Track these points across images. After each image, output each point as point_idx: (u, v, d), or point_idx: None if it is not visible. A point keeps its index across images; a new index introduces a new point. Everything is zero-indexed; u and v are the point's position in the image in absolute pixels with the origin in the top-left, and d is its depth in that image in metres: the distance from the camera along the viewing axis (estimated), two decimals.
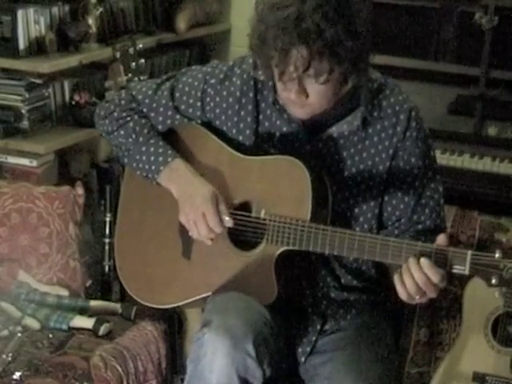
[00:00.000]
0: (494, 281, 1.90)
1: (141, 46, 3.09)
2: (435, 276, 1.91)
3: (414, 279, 1.92)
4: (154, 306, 2.30)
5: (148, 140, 2.23)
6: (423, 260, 1.91)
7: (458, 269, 1.92)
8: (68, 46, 3.38)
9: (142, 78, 2.96)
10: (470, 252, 1.91)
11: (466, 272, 1.92)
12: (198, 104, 2.24)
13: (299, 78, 1.97)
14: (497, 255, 1.89)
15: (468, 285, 2.47)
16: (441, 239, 1.94)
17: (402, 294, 1.96)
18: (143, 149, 2.22)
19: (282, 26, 1.92)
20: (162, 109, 2.27)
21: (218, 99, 2.22)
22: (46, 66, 3.23)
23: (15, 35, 3.21)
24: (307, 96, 2.00)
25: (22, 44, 3.23)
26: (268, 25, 1.94)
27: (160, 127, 2.28)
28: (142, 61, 3.02)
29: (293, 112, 2.09)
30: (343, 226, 2.07)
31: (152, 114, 2.28)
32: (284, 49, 1.92)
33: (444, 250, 1.93)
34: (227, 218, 2.12)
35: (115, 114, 2.28)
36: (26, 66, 3.24)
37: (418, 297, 1.95)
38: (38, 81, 3.30)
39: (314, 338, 2.18)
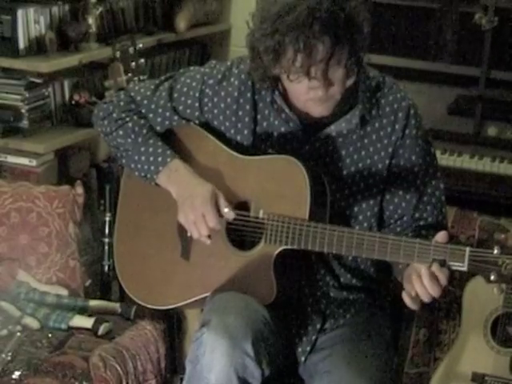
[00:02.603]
0: (492, 277, 1.90)
1: (141, 45, 3.09)
2: (442, 278, 1.92)
3: (425, 286, 1.93)
4: (154, 307, 2.30)
5: (147, 140, 2.23)
6: (434, 267, 1.92)
7: (456, 265, 1.93)
8: (68, 46, 3.38)
9: (141, 77, 2.97)
10: (468, 248, 1.92)
11: (465, 268, 1.92)
12: (196, 105, 2.25)
13: (326, 69, 1.98)
14: (495, 251, 1.90)
15: (467, 285, 2.47)
16: (440, 236, 1.95)
17: (412, 305, 1.97)
18: (142, 149, 2.22)
19: (299, 25, 1.92)
20: (160, 109, 2.28)
21: (215, 100, 2.23)
22: (45, 65, 3.23)
23: (15, 35, 3.21)
24: (330, 85, 2.01)
25: (21, 43, 3.23)
26: (282, 33, 1.94)
27: (158, 128, 2.28)
28: (142, 60, 3.03)
29: (314, 112, 2.08)
30: (342, 224, 2.08)
31: (150, 115, 2.29)
32: (307, 46, 1.93)
33: (443, 246, 1.93)
34: (226, 210, 2.11)
35: (114, 114, 2.28)
36: (25, 66, 3.24)
37: (426, 299, 1.96)
38: (38, 80, 3.30)
39: (313, 338, 2.18)
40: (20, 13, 3.21)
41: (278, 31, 1.95)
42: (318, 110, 2.08)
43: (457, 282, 2.53)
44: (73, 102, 3.42)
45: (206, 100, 2.24)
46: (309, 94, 2.04)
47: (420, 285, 1.93)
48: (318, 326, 2.19)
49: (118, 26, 3.70)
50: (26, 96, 3.26)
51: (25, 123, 3.27)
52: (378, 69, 2.21)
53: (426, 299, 1.95)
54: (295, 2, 1.95)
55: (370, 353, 2.10)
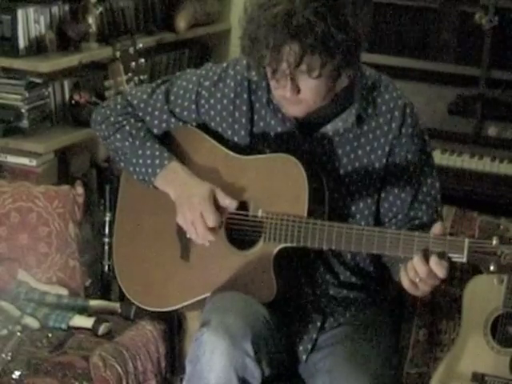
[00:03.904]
0: (492, 267, 1.90)
1: (141, 45, 3.09)
2: (441, 272, 1.92)
3: (419, 274, 1.93)
4: (154, 309, 2.30)
5: (144, 143, 2.23)
6: (432, 260, 1.92)
7: (455, 257, 1.92)
8: (68, 46, 3.39)
9: (141, 77, 2.97)
10: (467, 239, 1.91)
11: (464, 260, 1.91)
12: (193, 107, 2.25)
13: (292, 75, 1.98)
14: (494, 242, 1.89)
15: (467, 285, 2.47)
16: (437, 228, 1.95)
17: (409, 288, 1.98)
18: (139, 152, 2.22)
19: (273, 23, 1.93)
20: (157, 112, 2.28)
21: (212, 101, 2.23)
22: (45, 65, 3.23)
23: (15, 34, 3.21)
24: (299, 92, 2.01)
25: (21, 43, 3.23)
26: (258, 24, 1.96)
27: (156, 131, 2.29)
28: (142, 60, 3.03)
29: (287, 110, 2.10)
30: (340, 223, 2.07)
31: (147, 118, 2.29)
32: (276, 46, 1.93)
33: (441, 238, 1.93)
34: (228, 201, 2.11)
35: (111, 118, 2.29)
36: (25, 66, 3.24)
37: (421, 284, 1.96)
38: (38, 80, 3.30)
39: (314, 336, 2.18)
40: (20, 13, 3.21)
41: (255, 22, 1.97)
42: (289, 110, 2.09)
43: (457, 281, 2.53)
44: (73, 102, 3.42)
45: (202, 102, 2.24)
46: (278, 91, 2.05)
47: (414, 272, 1.94)
48: (319, 324, 2.19)
49: (118, 25, 3.70)
50: (26, 96, 3.26)
51: (25, 123, 3.27)
52: (377, 68, 2.21)
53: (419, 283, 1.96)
54: (281, 0, 1.95)
55: (370, 351, 2.11)
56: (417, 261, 1.93)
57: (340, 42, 1.94)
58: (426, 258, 1.92)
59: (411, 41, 3.56)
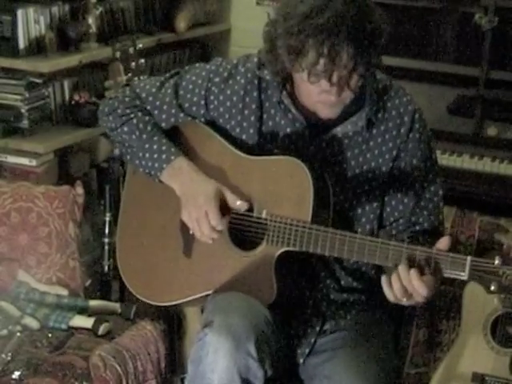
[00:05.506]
0: (493, 287, 1.90)
1: (141, 45, 3.09)
2: (422, 289, 1.92)
3: (402, 284, 1.94)
4: (155, 303, 2.30)
5: (151, 137, 2.22)
6: (413, 271, 1.92)
7: (457, 274, 1.92)
8: (68, 46, 3.39)
9: (141, 77, 2.97)
10: (469, 258, 1.91)
11: (466, 278, 1.92)
12: (202, 102, 2.24)
13: (347, 77, 1.97)
14: (496, 262, 1.89)
15: (467, 285, 2.47)
16: (443, 243, 1.95)
17: (389, 295, 1.98)
18: (146, 146, 2.21)
19: (326, 30, 1.91)
20: (165, 106, 2.27)
21: (221, 98, 2.22)
22: (45, 65, 3.23)
23: (15, 35, 3.21)
24: (346, 91, 2.01)
25: (21, 43, 3.23)
26: (307, 34, 1.92)
27: (163, 125, 2.28)
28: (142, 60, 3.03)
29: (323, 113, 2.08)
30: (345, 226, 2.07)
31: (155, 112, 2.28)
32: (333, 52, 1.91)
33: (444, 254, 1.93)
34: (239, 202, 2.11)
35: (119, 110, 2.28)
36: (25, 66, 3.24)
37: (404, 299, 1.96)
38: (38, 80, 3.30)
39: (312, 340, 2.18)
40: (20, 13, 3.21)
41: (304, 32, 1.93)
42: (325, 112, 2.08)
43: (457, 282, 2.53)
44: (73, 102, 3.43)
45: (211, 98, 2.23)
46: (320, 97, 2.03)
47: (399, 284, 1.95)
48: (318, 328, 2.18)
49: (118, 26, 3.70)
50: (26, 96, 3.27)
51: (25, 123, 3.27)
52: (377, 69, 2.21)
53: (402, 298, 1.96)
54: (323, 6, 1.92)
55: (370, 357, 2.09)
56: (402, 269, 1.93)
57: (379, 38, 1.97)
58: (410, 266, 1.93)
59: (411, 41, 3.56)
